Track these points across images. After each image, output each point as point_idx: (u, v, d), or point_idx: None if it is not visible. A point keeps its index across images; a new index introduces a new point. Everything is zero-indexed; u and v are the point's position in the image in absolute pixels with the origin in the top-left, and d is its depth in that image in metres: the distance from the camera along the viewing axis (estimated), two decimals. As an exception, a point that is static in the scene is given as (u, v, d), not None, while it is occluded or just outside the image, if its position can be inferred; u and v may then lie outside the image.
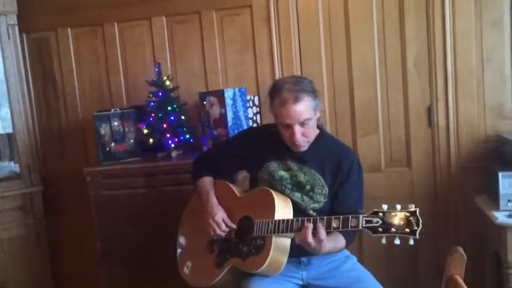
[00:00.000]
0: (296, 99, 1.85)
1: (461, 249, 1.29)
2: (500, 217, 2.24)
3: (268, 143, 2.06)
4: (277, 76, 2.90)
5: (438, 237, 2.82)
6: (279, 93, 1.89)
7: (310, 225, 1.75)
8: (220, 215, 2.01)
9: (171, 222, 2.46)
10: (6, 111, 3.14)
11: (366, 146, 2.90)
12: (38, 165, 3.15)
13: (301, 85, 1.89)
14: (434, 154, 2.83)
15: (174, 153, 2.66)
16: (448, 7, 2.69)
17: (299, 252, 1.92)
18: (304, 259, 2.00)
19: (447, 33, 2.71)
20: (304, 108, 1.86)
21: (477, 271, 2.65)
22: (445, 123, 2.78)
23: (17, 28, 3.07)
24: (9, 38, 3.02)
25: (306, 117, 1.87)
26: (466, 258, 1.29)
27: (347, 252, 2.07)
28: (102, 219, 2.61)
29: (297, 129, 1.87)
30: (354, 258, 2.07)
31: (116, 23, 3.09)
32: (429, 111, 2.81)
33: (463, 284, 1.23)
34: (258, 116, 2.86)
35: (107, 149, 2.68)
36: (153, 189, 2.55)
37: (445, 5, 2.69)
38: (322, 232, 1.73)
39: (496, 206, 2.34)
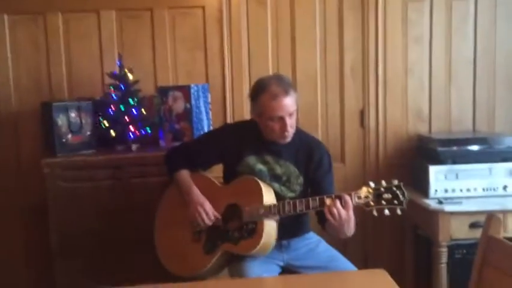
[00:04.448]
0: (286, 92, 2.14)
1: (497, 215, 1.58)
2: (433, 204, 2.78)
3: (245, 138, 2.32)
4: (227, 75, 3.21)
5: (366, 226, 3.31)
6: (267, 89, 2.16)
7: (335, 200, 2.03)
8: (207, 204, 2.25)
9: (135, 214, 2.66)
10: None
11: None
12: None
13: (284, 80, 2.21)
14: (365, 152, 3.33)
15: (134, 147, 2.82)
16: (381, 22, 3.21)
17: (280, 235, 2.23)
18: (285, 242, 2.32)
19: (379, 45, 3.23)
20: (292, 101, 2.16)
21: (398, 252, 3.26)
22: (374, 124, 3.30)
23: None
24: None
25: (294, 109, 2.17)
26: (502, 220, 1.57)
27: (318, 236, 2.43)
28: (60, 213, 2.67)
29: (288, 120, 2.16)
30: (324, 241, 2.42)
31: (60, 13, 3.13)
32: (362, 113, 3.31)
33: (503, 239, 1.52)
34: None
35: (63, 140, 2.75)
36: (118, 181, 2.68)
37: (378, 19, 3.21)
38: (348, 200, 2.02)
39: (425, 195, 2.88)
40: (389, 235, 3.30)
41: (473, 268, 1.55)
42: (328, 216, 2.03)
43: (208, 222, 2.24)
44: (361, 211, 2.10)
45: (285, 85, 2.18)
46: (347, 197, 2.03)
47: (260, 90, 2.21)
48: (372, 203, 2.03)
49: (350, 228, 2.10)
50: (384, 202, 2.02)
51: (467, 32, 3.26)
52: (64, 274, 2.71)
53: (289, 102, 2.16)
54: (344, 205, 2.02)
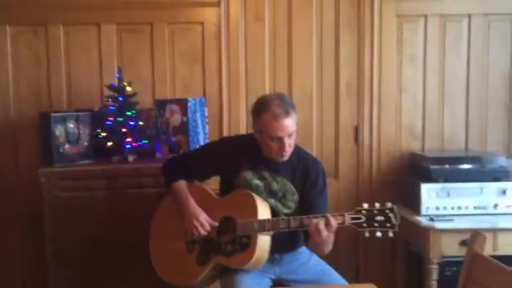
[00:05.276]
0: (287, 114, 2.17)
1: (481, 233, 1.63)
2: (424, 221, 2.81)
3: (243, 152, 2.35)
4: (224, 90, 3.26)
5: (357, 241, 3.33)
6: (268, 108, 2.19)
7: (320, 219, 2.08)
8: (203, 215, 2.28)
9: (131, 224, 2.69)
10: None
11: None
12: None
13: (286, 101, 2.23)
14: (358, 168, 3.37)
15: (130, 158, 2.85)
16: (376, 40, 3.27)
17: (273, 250, 2.25)
18: (277, 256, 2.34)
19: (374, 64, 3.29)
20: (292, 122, 2.19)
21: (389, 267, 3.31)
22: (368, 141, 3.34)
23: None
24: None
25: (293, 129, 2.20)
26: (486, 237, 1.61)
27: (309, 251, 2.45)
28: (56, 222, 2.70)
29: (286, 141, 2.19)
30: (315, 255, 2.44)
31: (61, 25, 3.19)
32: (356, 130, 3.35)
33: (487, 256, 1.56)
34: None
35: (61, 150, 2.78)
36: (114, 192, 2.72)
37: (373, 38, 3.27)
38: (333, 221, 2.06)
39: (416, 212, 2.92)
40: (381, 251, 3.32)
41: (458, 284, 1.57)
42: (312, 234, 2.10)
43: (204, 233, 2.27)
44: (353, 230, 2.13)
45: (287, 106, 2.21)
46: (332, 220, 2.07)
47: (261, 109, 2.23)
48: (364, 225, 2.06)
49: (328, 248, 2.22)
50: (376, 224, 2.05)
51: (461, 51, 3.33)
52: (58, 282, 2.73)
53: (289, 123, 2.19)
54: (327, 227, 2.07)
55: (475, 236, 1.55)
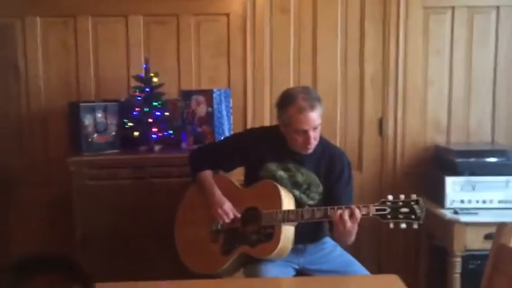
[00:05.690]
0: (312, 107, 2.19)
1: (509, 223, 1.62)
2: (448, 214, 2.80)
3: (268, 144, 2.38)
4: (249, 81, 3.27)
5: (380, 233, 3.34)
6: (294, 102, 2.21)
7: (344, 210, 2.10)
8: (228, 204, 2.31)
9: (157, 213, 2.73)
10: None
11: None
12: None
13: (312, 94, 2.25)
14: (382, 160, 3.36)
15: (156, 148, 2.89)
16: (402, 33, 3.24)
17: (297, 240, 2.27)
18: (301, 246, 2.36)
19: (399, 57, 3.26)
20: (317, 115, 2.21)
21: (412, 260, 3.30)
22: (392, 133, 3.33)
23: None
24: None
25: (318, 122, 2.22)
26: None
27: (333, 241, 2.46)
28: (84, 209, 2.76)
29: (311, 134, 2.21)
30: (339, 246, 2.45)
31: (90, 17, 3.25)
32: (380, 122, 3.34)
33: None
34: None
35: (89, 139, 2.84)
36: (141, 181, 2.77)
37: (399, 30, 3.24)
38: (357, 212, 2.08)
39: (441, 205, 2.90)
40: (404, 243, 3.32)
41: (483, 276, 1.57)
42: (336, 224, 2.12)
43: (228, 221, 2.30)
44: (376, 222, 2.14)
45: (312, 99, 2.22)
46: (356, 211, 2.09)
47: (287, 102, 2.25)
48: (389, 216, 2.06)
49: (351, 239, 2.23)
50: (401, 216, 2.05)
51: (488, 44, 3.28)
52: (86, 268, 2.78)
53: (314, 116, 2.21)
54: (351, 218, 2.09)
55: (502, 227, 1.54)
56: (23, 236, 3.25)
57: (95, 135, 2.86)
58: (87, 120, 2.84)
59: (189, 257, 2.40)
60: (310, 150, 2.29)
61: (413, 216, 2.04)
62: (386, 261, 3.35)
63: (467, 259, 2.81)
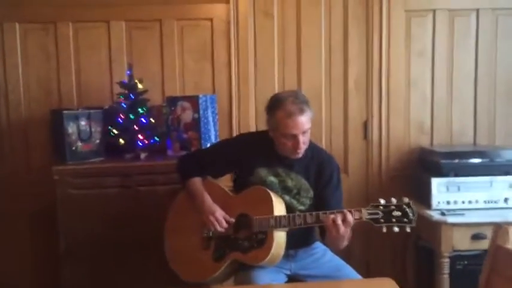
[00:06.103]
0: (301, 111, 2.17)
1: (504, 225, 1.63)
2: (436, 215, 2.81)
3: (258, 149, 2.35)
4: (234, 86, 3.25)
5: (368, 236, 3.33)
6: (282, 106, 2.19)
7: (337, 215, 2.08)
8: (219, 212, 2.28)
9: (144, 222, 2.69)
10: None
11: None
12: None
13: (300, 98, 2.22)
14: (368, 163, 3.37)
15: (142, 155, 2.85)
16: (385, 35, 3.26)
17: (288, 246, 2.24)
18: (292, 251, 2.35)
19: (383, 59, 3.28)
20: (306, 119, 2.19)
21: (400, 261, 3.31)
22: (377, 136, 3.34)
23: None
24: None
25: (308, 127, 2.20)
26: (508, 229, 1.61)
27: (324, 246, 2.45)
28: (69, 219, 2.70)
29: (301, 138, 2.19)
30: (330, 251, 2.44)
31: (70, 23, 3.19)
32: (365, 125, 3.35)
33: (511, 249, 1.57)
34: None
35: (73, 148, 2.78)
36: (127, 190, 2.72)
37: (382, 33, 3.26)
38: (350, 216, 2.07)
39: (427, 206, 2.91)
40: (391, 245, 3.32)
41: (481, 276, 1.58)
42: (329, 229, 2.09)
43: (221, 230, 2.27)
44: (364, 226, 2.13)
45: (301, 103, 2.20)
46: (349, 215, 2.07)
47: (276, 106, 2.23)
48: (381, 220, 2.06)
49: (344, 243, 2.20)
50: (394, 220, 2.04)
51: (469, 46, 3.32)
52: (70, 279, 2.73)
53: (303, 120, 2.19)
54: (344, 222, 2.06)
55: (497, 228, 1.55)
56: (6, 248, 3.17)
57: (79, 143, 2.80)
58: (71, 129, 2.78)
59: (179, 265, 2.35)
60: (300, 155, 2.27)
61: (406, 220, 2.04)
62: (375, 264, 3.36)
63: (455, 259, 2.84)
